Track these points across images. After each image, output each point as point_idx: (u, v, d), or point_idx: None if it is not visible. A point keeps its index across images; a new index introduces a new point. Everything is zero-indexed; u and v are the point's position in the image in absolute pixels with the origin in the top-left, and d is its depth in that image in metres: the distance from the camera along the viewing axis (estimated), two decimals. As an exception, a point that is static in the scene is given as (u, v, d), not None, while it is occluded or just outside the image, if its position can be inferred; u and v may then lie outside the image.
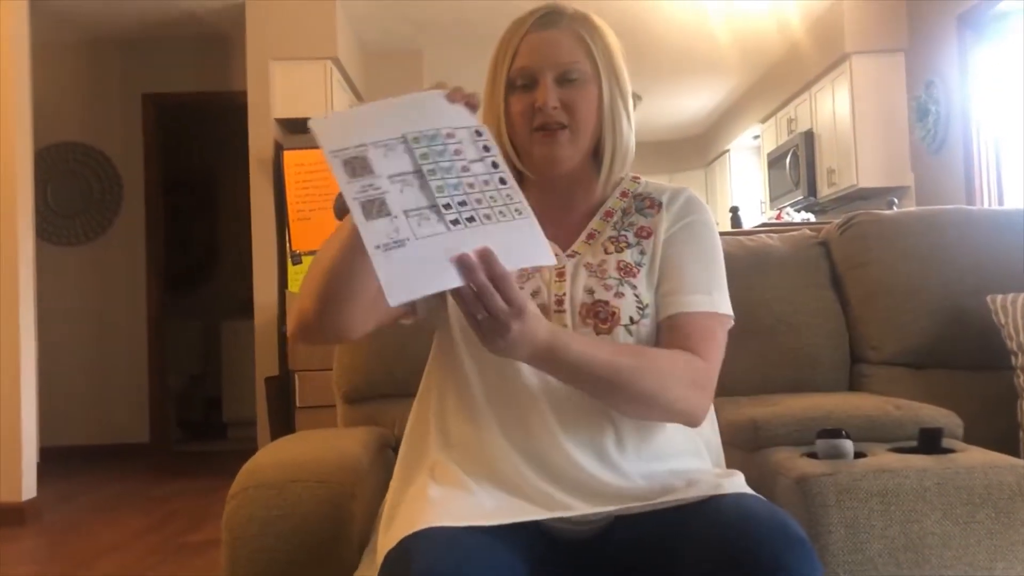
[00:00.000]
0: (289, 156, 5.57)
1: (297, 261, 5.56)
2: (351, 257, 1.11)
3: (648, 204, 1.32)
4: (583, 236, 1.31)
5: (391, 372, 1.88)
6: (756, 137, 8.28)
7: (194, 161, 7.65)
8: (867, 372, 2.08)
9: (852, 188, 6.01)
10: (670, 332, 1.24)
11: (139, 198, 6.42)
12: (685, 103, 8.65)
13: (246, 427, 5.97)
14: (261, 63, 5.67)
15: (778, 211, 6.96)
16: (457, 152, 1.08)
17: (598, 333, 1.21)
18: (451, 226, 1.03)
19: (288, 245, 5.61)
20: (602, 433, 1.21)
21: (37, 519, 4.15)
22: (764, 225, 5.58)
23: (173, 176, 6.94)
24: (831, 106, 6.30)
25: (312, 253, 5.47)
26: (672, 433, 1.26)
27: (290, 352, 4.67)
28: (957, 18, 5.21)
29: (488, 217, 1.05)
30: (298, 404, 4.48)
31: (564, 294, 1.24)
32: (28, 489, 4.15)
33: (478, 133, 1.11)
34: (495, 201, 1.06)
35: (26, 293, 4.23)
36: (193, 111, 7.07)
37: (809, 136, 6.66)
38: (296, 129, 5.82)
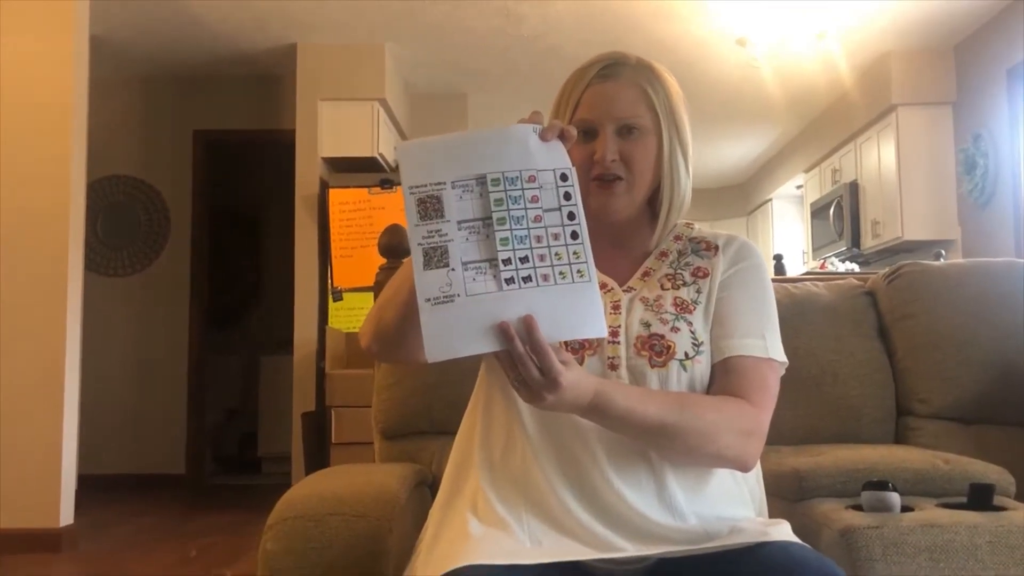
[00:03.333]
0: (334, 194, 5.65)
1: (338, 298, 5.60)
2: None
3: (704, 247, 1.33)
4: (639, 273, 1.31)
5: (430, 409, 1.88)
6: (799, 187, 8.23)
7: (241, 197, 7.78)
8: (914, 425, 2.03)
9: (897, 240, 5.95)
10: (723, 376, 1.23)
11: (185, 232, 6.52)
12: (729, 151, 8.64)
13: (280, 462, 5.98)
14: (310, 103, 5.79)
15: (822, 261, 6.90)
16: (534, 199, 1.05)
17: (652, 366, 1.20)
18: (504, 285, 1.01)
19: (330, 282, 5.66)
20: (653, 470, 1.19)
21: (73, 546, 4.16)
22: (809, 274, 5.52)
23: (219, 211, 7.05)
24: (876, 157, 6.25)
25: (353, 291, 5.52)
26: (723, 476, 1.24)
27: (327, 388, 4.69)
28: (1007, 72, 5.18)
29: (546, 278, 1.02)
30: (333, 440, 4.48)
31: (619, 326, 1.23)
32: (66, 516, 4.18)
33: (563, 178, 1.07)
34: (559, 258, 1.03)
35: (73, 323, 4.29)
36: (242, 148, 7.21)
37: (854, 187, 6.60)
38: (342, 168, 5.91)
